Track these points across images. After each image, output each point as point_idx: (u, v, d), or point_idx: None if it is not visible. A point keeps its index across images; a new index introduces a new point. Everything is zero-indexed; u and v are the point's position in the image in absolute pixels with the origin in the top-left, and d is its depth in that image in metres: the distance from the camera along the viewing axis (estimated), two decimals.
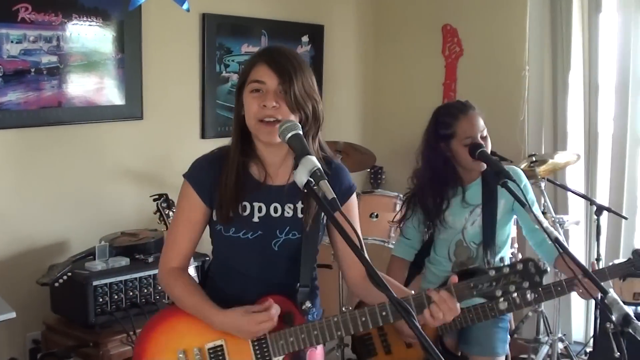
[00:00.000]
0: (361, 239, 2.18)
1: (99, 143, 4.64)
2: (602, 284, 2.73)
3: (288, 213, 2.62)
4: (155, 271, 3.32)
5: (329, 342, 2.73)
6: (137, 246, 4.28)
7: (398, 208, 4.65)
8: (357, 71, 6.49)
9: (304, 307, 2.60)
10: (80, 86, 4.49)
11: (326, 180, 2.16)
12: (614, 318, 2.54)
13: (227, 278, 2.69)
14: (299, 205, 2.62)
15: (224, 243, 2.65)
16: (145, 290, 4.10)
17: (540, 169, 4.65)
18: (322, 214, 2.62)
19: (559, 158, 4.85)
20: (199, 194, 2.62)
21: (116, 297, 3.99)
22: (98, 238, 4.35)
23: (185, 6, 3.61)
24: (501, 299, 2.38)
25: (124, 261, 4.11)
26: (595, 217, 4.71)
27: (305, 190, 2.20)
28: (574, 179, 5.32)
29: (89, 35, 4.49)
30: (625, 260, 3.35)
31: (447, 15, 6.06)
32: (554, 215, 4.57)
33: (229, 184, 2.57)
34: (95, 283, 3.90)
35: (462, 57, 6.03)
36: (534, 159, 4.59)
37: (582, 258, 5.25)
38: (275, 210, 2.62)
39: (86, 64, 4.50)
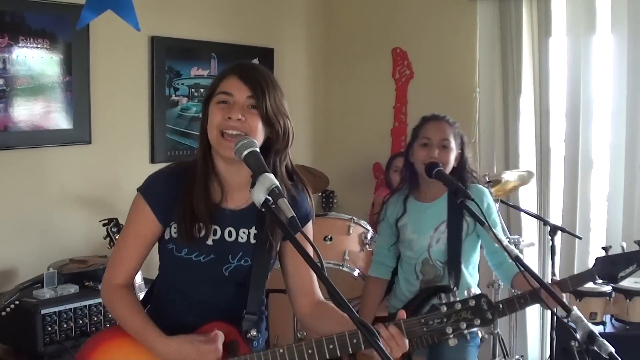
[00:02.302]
0: (322, 259, 2.11)
1: (46, 168, 4.53)
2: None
3: (242, 238, 2.54)
4: None
5: None
6: (87, 273, 4.15)
7: (352, 231, 4.60)
8: (307, 94, 6.45)
9: (249, 335, 2.51)
10: (26, 110, 4.37)
11: (285, 199, 2.11)
12: (578, 336, 2.52)
13: (172, 299, 2.59)
14: (252, 231, 2.55)
15: (174, 263, 2.54)
16: (95, 318, 3.96)
17: (494, 190, 4.64)
18: (275, 241, 2.55)
19: (512, 176, 4.84)
20: (153, 210, 2.51)
21: (65, 325, 3.84)
22: (46, 265, 4.21)
23: (136, 26, 3.53)
24: (451, 336, 2.30)
25: (73, 289, 3.97)
26: (550, 237, 4.71)
27: (263, 209, 2.14)
28: (527, 200, 5.34)
29: (35, 57, 4.38)
30: (587, 269, 3.36)
31: (397, 38, 6.07)
32: (508, 236, 4.55)
33: (195, 200, 2.47)
34: (43, 311, 3.76)
35: (412, 80, 6.03)
36: (487, 179, 4.57)
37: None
38: (230, 235, 2.53)
39: (33, 87, 4.39)
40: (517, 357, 4.78)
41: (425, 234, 3.54)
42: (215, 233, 2.51)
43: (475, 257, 3.63)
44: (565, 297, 3.34)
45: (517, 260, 2.80)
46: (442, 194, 3.56)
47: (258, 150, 2.29)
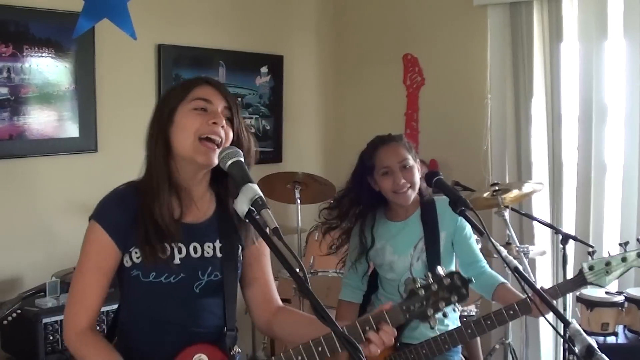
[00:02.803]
0: (306, 272, 2.07)
1: (52, 176, 4.53)
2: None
3: (208, 253, 2.46)
4: (110, 307, 3.22)
5: None
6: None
7: None
8: (317, 102, 6.42)
9: (232, 352, 2.47)
10: (32, 118, 4.38)
11: (268, 209, 2.06)
12: (577, 350, 2.46)
13: (144, 329, 2.43)
14: (217, 244, 2.48)
15: (142, 290, 2.39)
16: (98, 328, 3.94)
17: (504, 197, 4.57)
18: (238, 252, 2.52)
19: (522, 188, 4.76)
20: (112, 236, 2.35)
21: None
22: (51, 274, 4.19)
23: (133, 35, 3.51)
24: (432, 318, 2.31)
25: None
26: (562, 246, 4.64)
27: (247, 220, 2.10)
28: (540, 207, 5.25)
29: (41, 66, 4.39)
30: (575, 275, 3.27)
31: (408, 44, 6.02)
32: (518, 245, 4.48)
33: (156, 220, 2.35)
34: (45, 320, 3.77)
35: (423, 87, 5.97)
36: (496, 187, 4.51)
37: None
38: (195, 250, 2.44)
39: (38, 95, 4.40)
40: None
41: (405, 254, 3.46)
42: (180, 251, 2.41)
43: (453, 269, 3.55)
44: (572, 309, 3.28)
45: (516, 271, 2.73)
46: (413, 211, 3.51)
47: (243, 160, 2.25)
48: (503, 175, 5.37)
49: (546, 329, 5.33)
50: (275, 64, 5.91)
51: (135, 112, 4.91)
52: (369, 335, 2.26)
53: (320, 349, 2.27)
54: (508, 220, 4.54)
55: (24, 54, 4.30)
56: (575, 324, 2.53)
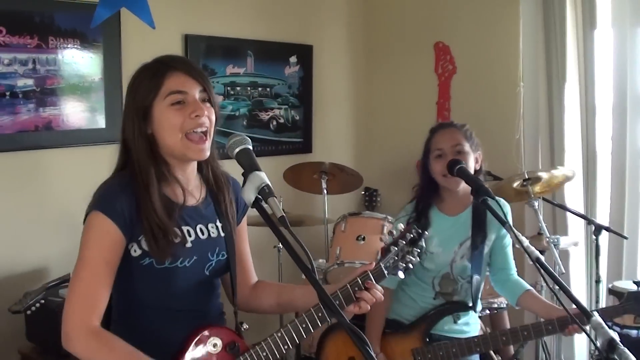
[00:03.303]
0: (312, 259, 2.04)
1: (79, 168, 4.52)
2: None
3: (213, 233, 2.48)
4: None
5: None
6: None
7: (386, 230, 4.48)
8: (348, 91, 6.36)
9: (242, 330, 2.52)
10: (58, 110, 4.38)
11: (275, 198, 2.03)
12: (598, 344, 2.38)
13: (151, 318, 2.40)
14: (218, 224, 2.50)
15: (152, 277, 2.35)
16: None
17: (535, 188, 4.48)
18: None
19: (552, 174, 4.66)
20: (119, 226, 2.29)
21: None
22: None
23: (151, 24, 3.48)
24: (402, 269, 2.57)
25: None
26: (594, 237, 4.55)
27: (255, 208, 2.08)
28: (573, 197, 5.13)
29: (66, 57, 4.39)
30: (618, 304, 3.25)
31: (440, 32, 5.93)
32: (548, 235, 4.38)
33: (156, 210, 2.31)
34: None
35: (455, 75, 5.89)
36: (526, 175, 4.42)
37: (582, 280, 5.07)
38: (202, 232, 2.46)
39: (64, 87, 4.40)
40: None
41: (450, 249, 3.42)
42: (189, 234, 2.42)
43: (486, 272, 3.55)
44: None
45: (538, 261, 2.67)
46: (465, 207, 3.46)
47: (250, 147, 2.21)
48: (536, 164, 5.26)
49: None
50: (304, 53, 5.87)
51: None
52: (360, 294, 2.43)
53: (304, 325, 2.38)
54: (539, 211, 4.45)
55: (50, 45, 4.30)
56: (597, 317, 2.46)
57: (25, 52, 4.21)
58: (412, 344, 3.36)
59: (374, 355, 1.88)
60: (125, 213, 2.30)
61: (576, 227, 5.14)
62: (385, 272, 2.51)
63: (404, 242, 2.57)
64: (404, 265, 2.56)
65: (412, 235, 2.58)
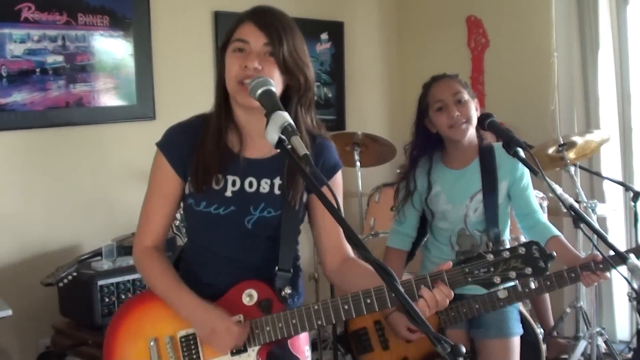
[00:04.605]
0: (340, 204, 1.98)
1: (110, 144, 4.54)
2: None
3: (264, 189, 2.42)
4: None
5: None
6: None
7: None
8: (380, 67, 6.32)
9: (282, 293, 2.40)
10: (87, 86, 4.39)
11: (298, 136, 1.98)
12: (635, 285, 2.32)
13: (201, 260, 2.50)
14: (277, 182, 2.43)
15: (196, 219, 2.45)
16: None
17: (570, 154, 4.40)
18: (297, 191, 2.42)
19: (587, 138, 4.56)
20: (172, 164, 2.41)
21: (124, 297, 3.82)
22: (110, 240, 4.20)
23: None
24: (500, 287, 2.16)
25: (131, 260, 3.94)
26: (632, 203, 4.47)
27: (279, 150, 2.02)
28: (610, 165, 5.05)
29: (95, 34, 4.39)
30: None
31: (471, 6, 5.88)
32: (585, 200, 4.30)
33: (207, 151, 2.36)
34: (100, 283, 3.76)
35: (488, 49, 5.82)
36: (561, 140, 4.34)
37: (621, 247, 4.97)
38: (250, 185, 2.42)
39: (94, 63, 4.41)
40: (598, 329, 4.51)
41: (461, 204, 3.29)
42: (234, 184, 2.40)
43: (508, 220, 3.38)
44: None
45: (572, 208, 2.61)
46: (472, 159, 3.32)
47: (273, 89, 2.16)
48: (572, 132, 5.18)
49: (620, 292, 5.12)
50: (335, 30, 5.83)
51: (193, 80, 4.92)
52: (422, 292, 2.15)
53: (368, 300, 2.25)
54: (575, 177, 4.38)
55: (79, 21, 4.31)
56: (633, 259, 2.40)
57: (55, 28, 4.22)
58: None
59: (414, 305, 1.77)
60: (181, 152, 2.41)
61: (614, 194, 5.06)
62: (469, 279, 2.16)
63: (513, 255, 2.15)
64: (500, 280, 2.14)
65: (528, 251, 2.15)
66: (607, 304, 5.10)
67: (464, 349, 1.63)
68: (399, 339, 3.38)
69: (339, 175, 2.54)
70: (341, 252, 2.55)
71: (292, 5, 5.45)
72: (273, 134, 2.00)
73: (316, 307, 2.31)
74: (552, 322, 4.88)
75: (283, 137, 1.99)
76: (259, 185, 2.42)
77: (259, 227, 2.42)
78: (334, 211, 1.92)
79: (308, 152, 1.94)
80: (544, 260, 2.14)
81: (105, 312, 3.77)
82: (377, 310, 2.25)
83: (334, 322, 2.32)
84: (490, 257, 2.14)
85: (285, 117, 2.01)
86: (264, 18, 2.37)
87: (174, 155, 2.42)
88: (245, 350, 2.36)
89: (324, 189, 1.92)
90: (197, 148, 2.39)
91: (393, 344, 3.41)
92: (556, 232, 3.23)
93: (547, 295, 4.84)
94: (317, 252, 2.64)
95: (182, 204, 2.51)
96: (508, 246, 2.99)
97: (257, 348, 2.36)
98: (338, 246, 2.55)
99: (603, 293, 5.07)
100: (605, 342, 4.60)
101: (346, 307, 2.27)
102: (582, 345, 4.52)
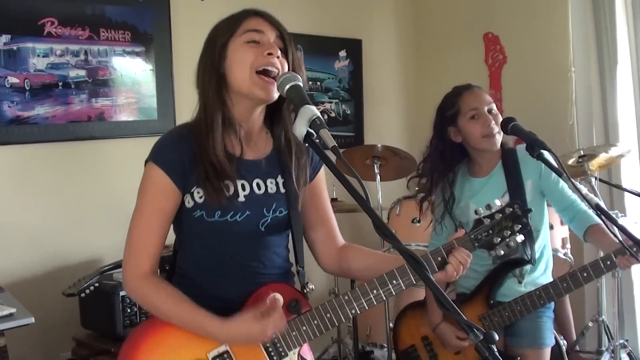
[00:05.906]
0: (366, 190, 1.95)
1: (131, 158, 4.53)
2: None
3: (271, 189, 2.40)
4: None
5: None
6: (168, 257, 4.11)
7: None
8: (398, 85, 6.35)
9: (306, 289, 2.41)
10: (110, 100, 4.44)
11: (327, 129, 1.98)
12: None
13: (210, 273, 2.38)
14: (279, 180, 2.42)
15: (207, 231, 2.33)
16: None
17: (591, 164, 4.39)
18: (302, 186, 2.44)
19: (609, 151, 4.56)
20: (171, 177, 2.27)
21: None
22: None
23: None
24: (499, 246, 2.37)
25: None
26: None
27: (307, 144, 2.03)
28: (631, 177, 5.03)
29: (117, 49, 4.44)
30: None
31: (488, 23, 5.90)
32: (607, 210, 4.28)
33: (214, 157, 2.27)
34: (122, 293, 3.77)
35: (505, 65, 5.83)
36: (582, 152, 4.34)
37: None
38: (259, 187, 2.38)
39: (115, 78, 4.46)
40: (621, 341, 4.47)
41: None
42: (244, 188, 2.35)
43: (545, 217, 3.38)
44: None
45: (598, 207, 2.62)
46: (495, 164, 3.34)
47: (301, 84, 2.17)
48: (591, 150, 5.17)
49: None
50: (353, 47, 5.88)
51: None
52: (449, 259, 2.30)
53: (375, 292, 2.29)
54: (596, 188, 4.37)
55: (101, 37, 4.36)
56: None
57: (77, 43, 4.27)
58: (478, 311, 3.28)
59: (433, 278, 1.80)
60: (179, 163, 2.29)
61: (635, 208, 5.03)
62: (475, 244, 2.35)
63: (504, 216, 2.38)
64: (500, 240, 2.37)
65: (513, 210, 2.39)
66: (629, 316, 5.05)
67: (496, 336, 1.64)
68: (447, 352, 3.37)
69: (322, 173, 2.58)
70: (337, 240, 2.59)
71: (312, 23, 5.53)
72: (301, 128, 2.01)
73: (346, 297, 2.31)
74: (574, 337, 4.85)
75: (311, 130, 2.00)
76: (266, 186, 2.40)
77: (271, 229, 2.39)
78: (363, 202, 1.93)
79: (336, 144, 1.95)
80: (525, 216, 2.40)
81: (127, 322, 3.78)
82: (404, 289, 2.30)
83: (366, 308, 2.31)
84: (487, 221, 2.39)
85: (313, 110, 2.02)
86: (269, 15, 2.38)
87: (172, 167, 2.29)
88: (286, 354, 2.33)
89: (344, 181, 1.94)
90: (202, 156, 2.29)
91: (442, 357, 3.40)
92: (596, 219, 3.22)
93: (569, 308, 4.82)
94: (311, 249, 2.61)
95: (180, 219, 2.37)
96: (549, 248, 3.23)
97: (297, 350, 2.35)
98: (335, 236, 2.59)
99: (625, 305, 5.03)
100: (628, 354, 4.57)
101: (375, 292, 2.29)
102: (605, 358, 4.49)
